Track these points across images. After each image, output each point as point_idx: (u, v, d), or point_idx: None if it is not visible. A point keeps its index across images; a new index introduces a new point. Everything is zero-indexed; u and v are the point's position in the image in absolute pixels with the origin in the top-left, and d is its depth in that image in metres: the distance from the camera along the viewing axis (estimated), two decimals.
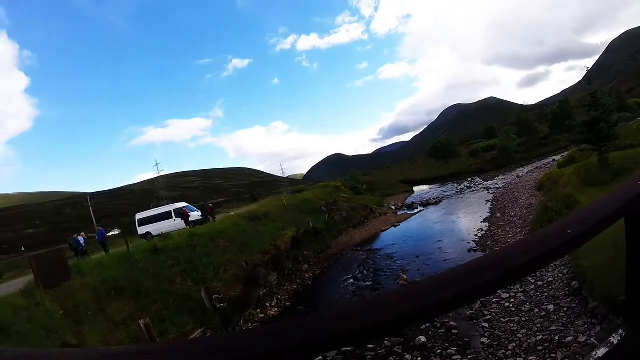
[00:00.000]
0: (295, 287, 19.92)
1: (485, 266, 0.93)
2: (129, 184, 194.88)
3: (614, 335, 1.95)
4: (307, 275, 21.42)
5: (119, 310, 12.85)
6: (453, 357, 9.30)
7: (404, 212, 36.92)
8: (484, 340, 9.71)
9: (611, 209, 1.19)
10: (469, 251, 18.47)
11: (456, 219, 27.32)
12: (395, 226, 30.05)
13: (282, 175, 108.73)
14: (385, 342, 10.69)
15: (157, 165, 73.52)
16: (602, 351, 1.92)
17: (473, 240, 20.15)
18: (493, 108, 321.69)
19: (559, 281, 11.51)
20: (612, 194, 1.29)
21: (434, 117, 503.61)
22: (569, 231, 1.16)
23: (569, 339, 8.52)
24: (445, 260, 17.95)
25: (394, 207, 40.34)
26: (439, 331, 10.70)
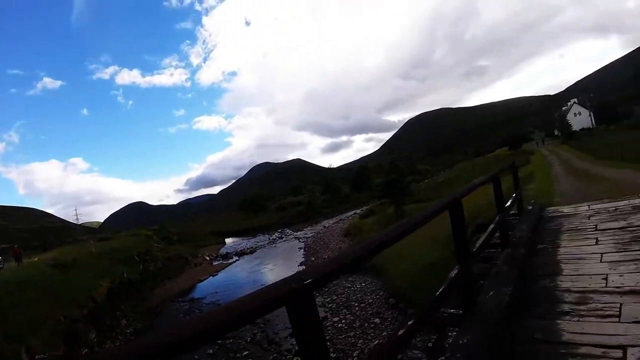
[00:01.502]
0: (117, 344, 18.80)
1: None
2: None
3: (453, 271, 3.57)
4: (128, 331, 20.23)
5: None
6: None
7: (219, 261, 36.98)
8: (332, 355, 11.04)
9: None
10: None
11: (274, 266, 28.57)
12: (213, 275, 30.10)
13: (76, 222, 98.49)
14: None
15: None
16: (453, 273, 3.49)
17: None
18: (299, 169, 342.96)
19: (378, 301, 13.77)
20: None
21: (243, 172, 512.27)
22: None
23: None
24: None
25: (208, 258, 40.10)
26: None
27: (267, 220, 63.55)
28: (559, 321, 3.84)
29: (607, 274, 4.67)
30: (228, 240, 55.02)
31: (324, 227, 44.74)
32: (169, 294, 26.39)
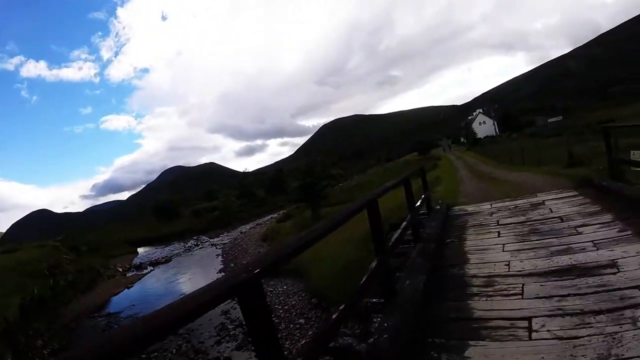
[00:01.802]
0: None
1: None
2: None
3: (372, 263, 3.94)
4: (45, 352, 18.91)
5: None
6: None
7: (134, 273, 35.36)
8: None
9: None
10: None
11: (192, 274, 27.99)
12: (128, 287, 28.85)
13: None
14: None
15: None
16: (373, 265, 3.85)
17: None
18: (213, 173, 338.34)
19: (301, 302, 13.99)
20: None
21: (154, 176, 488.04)
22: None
23: None
24: None
25: (121, 269, 38.17)
26: None
27: (181, 227, 61.64)
28: (469, 302, 4.33)
29: (509, 261, 5.33)
30: (141, 250, 52.66)
31: (241, 232, 44.33)
32: (83, 309, 24.89)
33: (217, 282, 2.16)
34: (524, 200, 9.44)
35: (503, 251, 5.85)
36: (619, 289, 3.86)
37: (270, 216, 52.37)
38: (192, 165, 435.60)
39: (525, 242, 6.02)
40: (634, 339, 2.99)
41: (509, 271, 4.96)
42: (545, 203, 8.48)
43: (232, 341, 12.98)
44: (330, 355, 3.69)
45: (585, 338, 3.15)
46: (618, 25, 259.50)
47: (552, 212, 7.58)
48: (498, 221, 7.85)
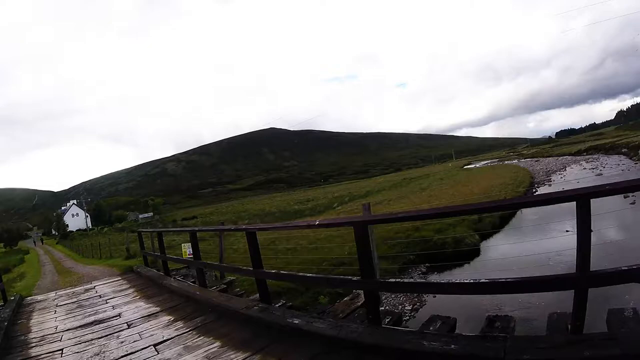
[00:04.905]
0: None
1: None
2: None
3: None
4: None
5: None
6: None
7: None
8: None
9: None
10: None
11: None
12: None
13: None
14: None
15: None
16: None
17: None
18: None
19: None
20: None
21: None
22: None
23: None
24: None
25: None
26: None
27: None
28: (30, 350, 6.97)
29: (57, 325, 8.29)
30: None
31: None
32: None
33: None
34: (81, 287, 13.12)
35: (55, 321, 8.81)
36: (116, 325, 7.42)
37: None
38: None
39: (71, 313, 9.28)
40: (115, 344, 6.30)
41: (56, 330, 7.93)
42: (95, 288, 12.27)
43: None
44: None
45: (102, 351, 6.14)
46: (218, 140, 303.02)
47: (97, 292, 11.31)
48: (57, 303, 10.85)
